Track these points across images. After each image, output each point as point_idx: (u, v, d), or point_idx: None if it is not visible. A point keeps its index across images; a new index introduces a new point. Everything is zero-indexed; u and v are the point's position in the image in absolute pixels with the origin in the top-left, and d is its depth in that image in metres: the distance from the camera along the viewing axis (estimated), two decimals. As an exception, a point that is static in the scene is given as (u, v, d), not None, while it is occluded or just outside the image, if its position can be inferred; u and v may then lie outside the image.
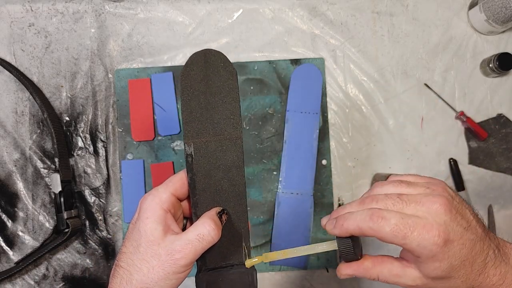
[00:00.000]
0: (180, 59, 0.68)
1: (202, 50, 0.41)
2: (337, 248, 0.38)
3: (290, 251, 0.40)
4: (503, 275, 0.35)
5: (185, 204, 0.42)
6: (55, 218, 0.64)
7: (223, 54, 0.41)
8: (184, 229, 0.43)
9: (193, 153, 0.40)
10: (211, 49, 0.41)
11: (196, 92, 0.41)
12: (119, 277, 0.37)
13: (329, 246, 0.39)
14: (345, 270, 0.38)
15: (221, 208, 0.40)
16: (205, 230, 0.37)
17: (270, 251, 0.65)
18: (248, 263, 0.40)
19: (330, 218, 0.38)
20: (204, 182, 0.40)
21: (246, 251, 0.41)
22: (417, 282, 0.36)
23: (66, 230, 0.62)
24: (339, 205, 0.67)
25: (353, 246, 0.37)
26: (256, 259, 0.40)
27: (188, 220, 0.43)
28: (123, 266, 0.37)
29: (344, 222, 0.35)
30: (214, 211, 0.39)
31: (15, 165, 0.66)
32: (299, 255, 0.40)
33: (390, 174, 0.63)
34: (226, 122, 0.41)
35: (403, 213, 0.33)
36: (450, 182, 0.68)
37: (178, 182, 0.40)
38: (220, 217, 0.39)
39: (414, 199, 0.34)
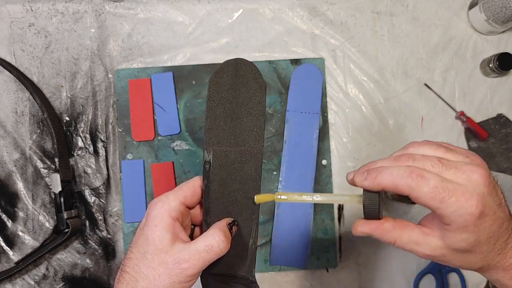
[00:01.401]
0: (180, 59, 0.68)
1: (234, 59, 0.40)
2: (358, 203, 0.36)
3: (306, 195, 0.37)
4: None
5: (194, 212, 0.42)
6: (55, 218, 0.64)
7: (254, 65, 0.40)
8: (191, 236, 0.42)
9: (211, 161, 0.40)
10: (244, 59, 0.40)
11: (223, 100, 0.40)
12: (124, 283, 0.37)
13: (351, 199, 0.37)
14: (362, 227, 0.36)
15: (232, 219, 0.39)
16: (214, 241, 0.36)
17: (270, 251, 0.65)
18: (257, 198, 0.39)
19: (358, 171, 0.36)
20: (219, 191, 0.40)
21: (250, 263, 0.40)
22: (435, 252, 0.34)
23: (66, 230, 0.62)
24: (339, 205, 0.67)
25: (378, 203, 0.35)
26: (265, 196, 0.39)
27: (196, 227, 0.43)
28: (129, 272, 0.37)
29: (378, 175, 0.33)
30: (225, 222, 0.38)
31: (15, 165, 0.66)
32: (315, 202, 0.38)
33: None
34: (249, 134, 0.40)
35: (442, 177, 0.32)
36: (450, 182, 0.68)
37: (189, 190, 0.39)
38: (230, 229, 0.38)
39: (455, 165, 0.33)
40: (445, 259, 0.35)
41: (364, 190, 0.35)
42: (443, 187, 0.31)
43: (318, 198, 0.38)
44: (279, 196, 0.38)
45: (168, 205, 0.37)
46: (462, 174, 0.32)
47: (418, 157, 0.34)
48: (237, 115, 0.40)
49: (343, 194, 0.38)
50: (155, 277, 0.36)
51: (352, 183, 0.36)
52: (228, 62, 0.40)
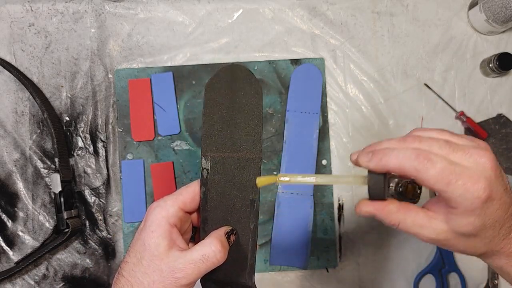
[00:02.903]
0: (180, 59, 0.68)
1: (230, 64, 0.40)
2: (363, 184, 0.35)
3: (309, 176, 0.36)
4: None
5: (194, 215, 0.41)
6: (55, 218, 0.64)
7: (250, 71, 0.41)
8: (194, 237, 0.42)
9: (209, 168, 0.39)
10: (240, 65, 0.41)
11: (219, 105, 0.40)
12: (120, 286, 0.37)
13: (355, 180, 0.36)
14: (367, 207, 0.35)
15: (231, 228, 0.39)
16: (211, 251, 0.36)
17: (270, 251, 0.65)
18: (259, 181, 0.38)
19: (363, 151, 0.35)
20: (217, 199, 0.39)
21: (250, 271, 0.40)
22: (440, 236, 0.34)
23: (66, 230, 0.62)
24: (339, 205, 0.67)
25: (384, 184, 0.34)
26: (267, 178, 0.38)
27: (196, 231, 0.43)
28: (125, 275, 0.37)
29: (383, 157, 0.32)
30: (223, 231, 0.38)
31: (15, 165, 0.66)
32: (317, 184, 0.38)
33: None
34: (247, 140, 0.40)
35: (449, 159, 0.31)
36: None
37: (188, 196, 0.39)
38: (228, 238, 0.38)
39: (462, 148, 0.32)
40: (449, 243, 0.34)
41: (369, 171, 0.34)
42: (450, 170, 0.31)
43: (321, 179, 0.37)
44: (281, 178, 0.37)
45: (166, 211, 0.37)
46: (469, 157, 0.32)
47: (425, 139, 0.33)
48: (234, 121, 0.40)
49: (347, 175, 0.37)
50: (150, 283, 0.35)
51: (356, 163, 0.35)
52: (224, 68, 0.40)
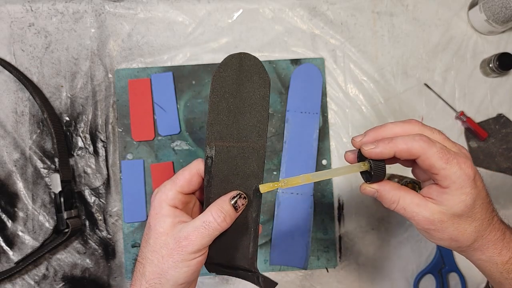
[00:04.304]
0: (180, 59, 0.68)
1: (238, 53, 0.40)
2: (358, 171, 0.39)
3: (311, 175, 0.38)
4: (503, 231, 0.39)
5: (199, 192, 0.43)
6: (55, 218, 0.64)
7: (259, 60, 0.40)
8: None
9: (213, 156, 0.40)
10: (248, 53, 0.40)
11: (226, 94, 0.40)
12: (136, 271, 0.39)
13: (351, 168, 0.39)
14: (371, 185, 0.39)
15: (238, 192, 0.39)
16: (211, 218, 0.37)
17: (270, 251, 0.65)
18: (263, 187, 0.39)
19: (366, 137, 0.38)
20: (221, 187, 0.40)
21: (252, 256, 0.40)
22: (434, 216, 0.37)
23: (66, 230, 0.62)
24: (339, 205, 0.67)
25: (385, 166, 0.38)
26: (272, 185, 0.39)
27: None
28: (139, 260, 0.39)
29: (390, 141, 0.36)
30: (227, 197, 0.39)
31: (15, 165, 0.66)
32: (321, 179, 0.39)
33: (391, 174, 0.63)
34: (252, 130, 0.40)
35: (443, 144, 0.37)
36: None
37: (184, 180, 0.40)
38: (235, 202, 0.38)
39: (449, 139, 0.38)
40: (443, 226, 0.37)
41: (372, 160, 0.37)
42: (447, 150, 0.36)
43: (321, 176, 0.38)
44: (284, 182, 0.38)
45: (165, 195, 0.39)
46: (455, 146, 0.38)
47: (425, 125, 0.38)
48: (240, 110, 0.40)
49: (344, 166, 0.39)
50: (159, 259, 0.37)
51: (358, 146, 0.38)
52: (232, 56, 0.40)
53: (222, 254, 0.40)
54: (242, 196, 0.39)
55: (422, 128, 0.37)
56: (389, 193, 0.38)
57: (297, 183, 0.38)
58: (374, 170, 0.37)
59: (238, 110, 0.40)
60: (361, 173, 0.40)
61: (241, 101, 0.40)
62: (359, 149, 0.38)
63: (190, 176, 0.40)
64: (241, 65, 0.40)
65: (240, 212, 0.39)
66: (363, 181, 0.40)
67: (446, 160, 0.35)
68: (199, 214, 0.39)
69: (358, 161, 0.39)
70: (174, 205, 0.39)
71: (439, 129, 0.38)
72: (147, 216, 0.66)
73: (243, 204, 0.39)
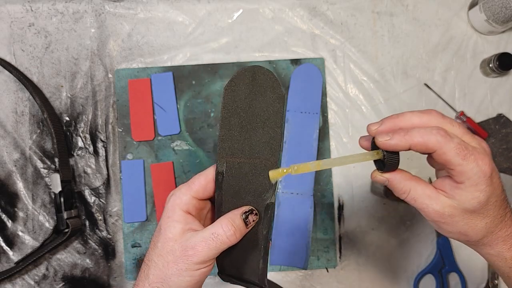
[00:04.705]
0: (180, 59, 0.68)
1: (251, 66, 0.39)
2: (371, 159, 0.38)
3: (322, 162, 0.37)
4: None
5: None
6: (55, 218, 0.64)
7: (273, 74, 0.39)
8: None
9: (224, 172, 0.39)
10: (262, 67, 0.39)
11: (238, 109, 0.39)
12: (141, 271, 0.38)
13: (364, 156, 0.37)
14: (383, 174, 0.38)
15: (250, 208, 0.38)
16: (221, 230, 0.36)
17: (270, 251, 0.65)
18: (272, 174, 0.37)
19: (382, 126, 0.37)
20: (232, 202, 0.39)
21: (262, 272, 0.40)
22: (445, 209, 0.36)
23: (66, 230, 0.62)
24: (339, 205, 0.67)
25: (398, 157, 0.37)
26: (282, 170, 0.37)
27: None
28: (145, 261, 0.39)
29: (406, 134, 0.35)
30: (239, 211, 0.38)
31: (15, 165, 0.66)
32: (332, 166, 0.38)
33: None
34: (264, 146, 0.39)
35: (461, 139, 0.35)
36: (450, 182, 0.68)
37: (199, 185, 0.39)
38: (246, 218, 0.38)
39: (469, 132, 0.37)
40: (454, 220, 0.36)
41: (385, 151, 0.36)
42: (465, 145, 0.35)
43: (333, 162, 0.38)
44: (295, 168, 0.36)
45: (179, 199, 0.38)
46: (475, 139, 0.36)
47: (446, 116, 0.37)
48: (252, 126, 0.39)
49: (355, 154, 0.37)
50: (164, 264, 0.37)
51: (373, 134, 0.37)
52: (244, 69, 0.39)
53: (233, 267, 0.40)
54: (254, 212, 0.38)
55: (441, 120, 0.36)
56: (400, 183, 0.38)
57: (307, 169, 0.36)
58: (387, 162, 0.36)
59: (250, 126, 0.39)
60: (374, 160, 0.39)
61: (254, 117, 0.39)
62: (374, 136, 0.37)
63: (206, 182, 0.39)
64: (254, 79, 0.39)
65: (250, 228, 0.38)
66: (375, 167, 0.39)
67: (463, 156, 0.34)
68: (211, 223, 0.39)
69: (372, 149, 0.38)
70: (188, 210, 0.38)
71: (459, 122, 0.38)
72: (147, 216, 0.66)
73: (254, 221, 0.38)
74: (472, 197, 0.35)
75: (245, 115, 0.39)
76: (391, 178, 0.38)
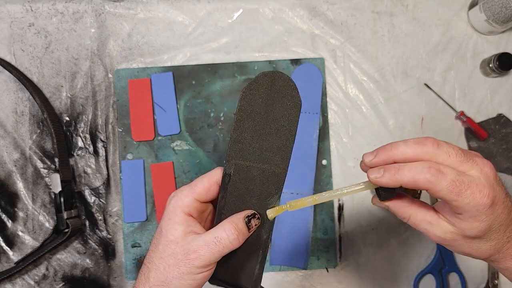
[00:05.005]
0: (180, 59, 0.68)
1: (272, 71, 0.39)
2: (367, 190, 0.38)
3: (318, 196, 0.38)
4: None
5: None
6: (55, 218, 0.64)
7: (293, 82, 0.38)
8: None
9: (232, 174, 0.39)
10: (282, 73, 0.39)
11: (254, 113, 0.39)
12: (141, 273, 0.38)
13: (359, 189, 0.38)
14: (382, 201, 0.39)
15: (252, 212, 0.38)
16: (224, 234, 0.36)
17: (270, 251, 0.65)
18: (270, 212, 0.38)
19: (375, 158, 0.36)
20: (235, 204, 0.39)
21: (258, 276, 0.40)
22: (446, 236, 0.36)
23: (66, 230, 0.62)
24: (339, 205, 0.67)
25: (394, 193, 0.37)
26: (279, 208, 0.38)
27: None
28: (145, 263, 0.38)
29: (396, 173, 0.34)
30: (242, 215, 0.38)
31: (15, 165, 0.66)
32: (327, 200, 0.38)
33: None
34: (275, 153, 0.39)
35: (458, 170, 0.34)
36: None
37: (202, 187, 0.39)
38: (248, 222, 0.38)
39: (471, 157, 0.35)
40: (456, 244, 0.36)
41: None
42: (460, 181, 0.33)
43: (332, 194, 0.38)
44: (290, 205, 0.38)
45: (181, 201, 0.38)
46: (476, 166, 0.34)
47: (442, 143, 0.35)
48: (266, 131, 0.39)
49: (354, 185, 0.38)
50: (165, 267, 0.36)
51: (365, 170, 0.37)
52: (264, 74, 0.39)
53: (226, 272, 0.39)
54: (256, 216, 0.38)
55: (436, 151, 0.34)
56: (400, 209, 0.38)
57: (303, 205, 0.38)
58: (382, 194, 0.37)
59: (264, 131, 0.39)
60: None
61: (269, 122, 0.39)
62: None
63: (209, 185, 0.39)
64: (273, 85, 0.38)
65: (252, 232, 0.38)
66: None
67: (457, 193, 0.33)
68: (212, 226, 0.38)
69: None
70: (189, 212, 0.38)
71: (457, 147, 0.35)
72: (147, 216, 0.66)
73: (256, 225, 0.38)
74: (471, 227, 0.34)
75: (260, 120, 0.39)
76: (390, 205, 0.38)
